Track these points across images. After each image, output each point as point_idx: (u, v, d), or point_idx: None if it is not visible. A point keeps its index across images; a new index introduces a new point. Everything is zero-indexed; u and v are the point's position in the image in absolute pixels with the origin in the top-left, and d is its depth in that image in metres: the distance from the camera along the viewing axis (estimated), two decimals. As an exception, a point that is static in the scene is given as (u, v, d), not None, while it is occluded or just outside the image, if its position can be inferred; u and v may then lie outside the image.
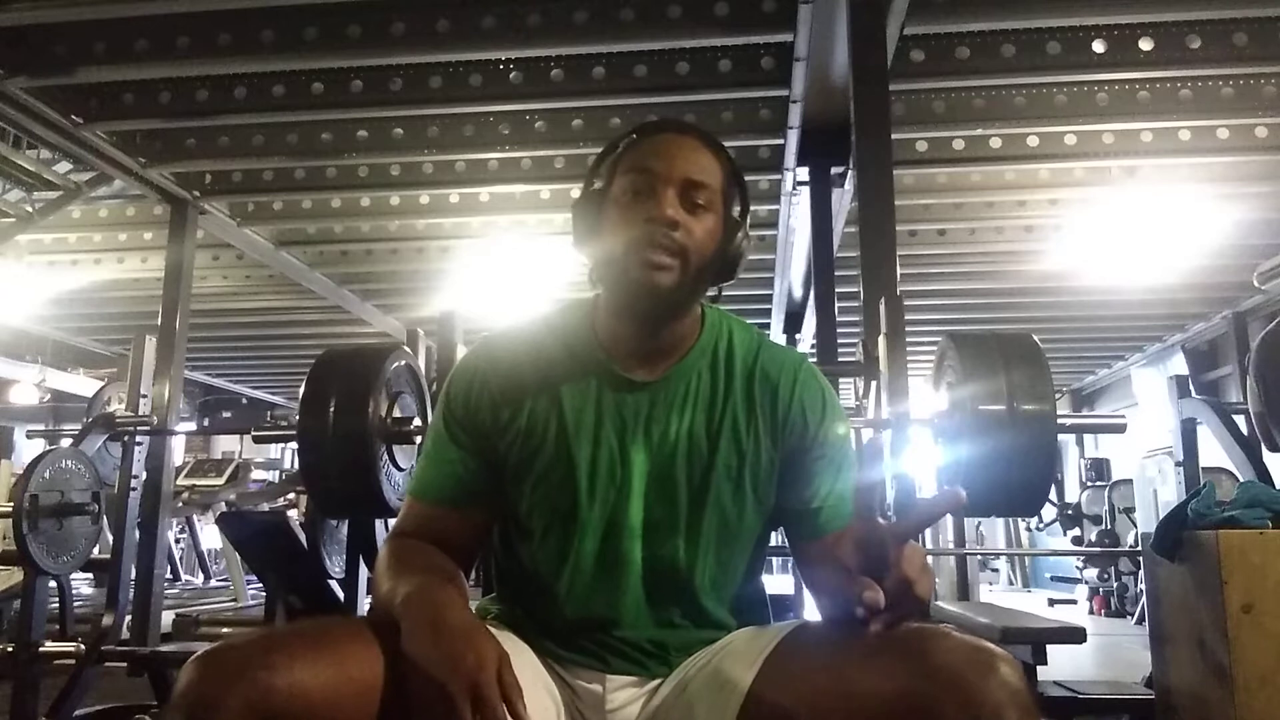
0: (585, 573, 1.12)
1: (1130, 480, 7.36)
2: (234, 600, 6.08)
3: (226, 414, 11.19)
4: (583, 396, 1.14)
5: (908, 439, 1.96)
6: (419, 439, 2.19)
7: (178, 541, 7.81)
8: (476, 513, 1.18)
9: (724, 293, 1.19)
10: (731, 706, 0.99)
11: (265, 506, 6.36)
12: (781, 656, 1.00)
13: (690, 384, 1.14)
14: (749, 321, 1.24)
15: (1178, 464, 3.52)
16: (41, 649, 2.88)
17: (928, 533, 5.98)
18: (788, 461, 1.15)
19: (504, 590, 1.22)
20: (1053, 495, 7.68)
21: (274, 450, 10.66)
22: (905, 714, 0.86)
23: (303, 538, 3.41)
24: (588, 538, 1.12)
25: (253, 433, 2.42)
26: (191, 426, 10.03)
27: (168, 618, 4.51)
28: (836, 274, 3.90)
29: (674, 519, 1.12)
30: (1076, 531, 8.20)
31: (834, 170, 3.71)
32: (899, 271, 2.35)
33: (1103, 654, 5.76)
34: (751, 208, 1.22)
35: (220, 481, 6.51)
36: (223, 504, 6.34)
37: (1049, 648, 3.11)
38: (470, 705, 0.89)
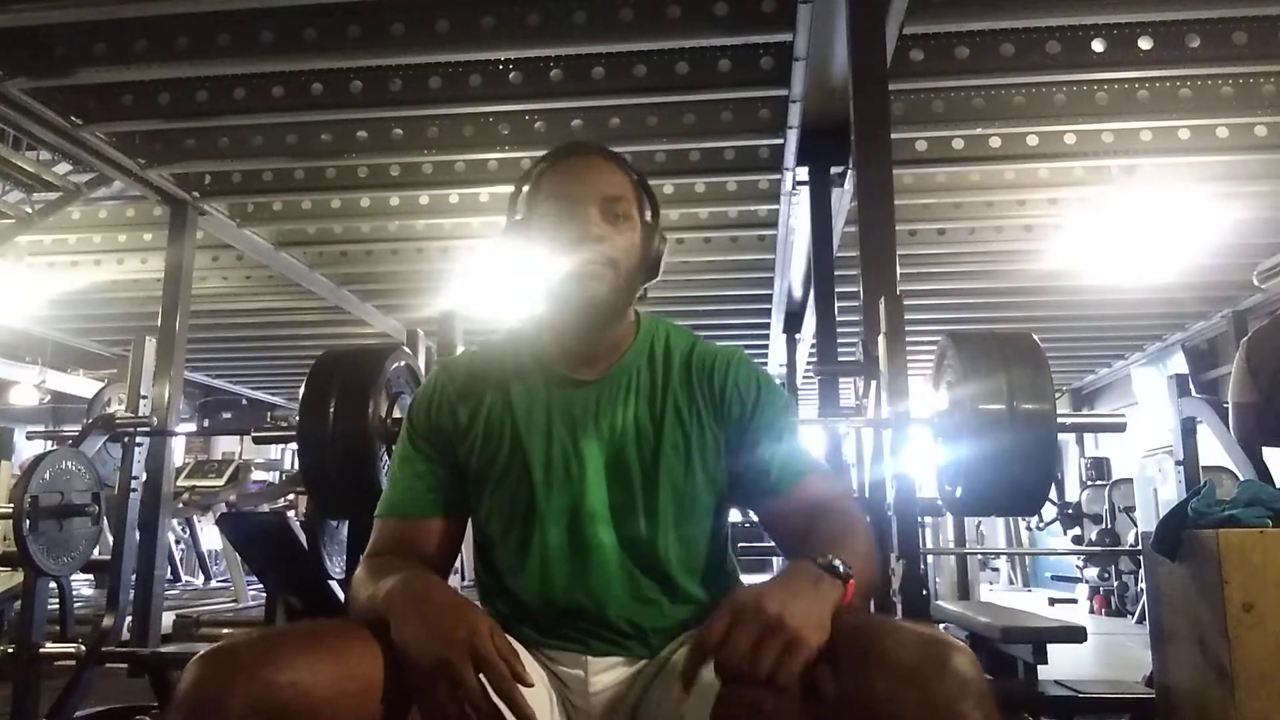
0: (556, 561, 1.17)
1: (1130, 479, 7.36)
2: (234, 601, 6.08)
3: (226, 415, 11.18)
4: (533, 398, 1.22)
5: (908, 438, 1.96)
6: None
7: (178, 542, 7.81)
8: (446, 522, 1.23)
9: (649, 294, 1.28)
10: (705, 707, 1.00)
11: (265, 507, 6.36)
12: None
13: (631, 378, 1.23)
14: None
15: (1178, 463, 3.52)
16: (42, 650, 2.88)
17: (928, 532, 5.98)
18: (734, 437, 1.23)
19: (485, 592, 1.26)
20: (1053, 494, 7.69)
21: (274, 451, 10.66)
22: (865, 711, 0.87)
23: (303, 538, 3.40)
24: (551, 528, 1.17)
25: (253, 433, 2.41)
26: (191, 427, 10.03)
27: (168, 619, 4.51)
28: (836, 274, 3.89)
29: (632, 500, 1.18)
30: (1077, 531, 8.20)
31: (834, 170, 3.71)
32: (899, 271, 2.35)
33: (1103, 653, 5.76)
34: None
35: (220, 482, 6.51)
36: (223, 505, 6.34)
37: (1049, 647, 3.11)
38: (472, 670, 0.92)
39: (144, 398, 3.32)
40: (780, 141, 3.72)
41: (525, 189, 1.25)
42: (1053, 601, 8.27)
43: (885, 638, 0.91)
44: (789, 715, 0.89)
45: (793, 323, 6.06)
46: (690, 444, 1.21)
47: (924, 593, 2.10)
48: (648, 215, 1.25)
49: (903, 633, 0.92)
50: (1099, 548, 7.60)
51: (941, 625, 3.90)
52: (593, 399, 1.22)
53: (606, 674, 1.15)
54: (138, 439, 3.26)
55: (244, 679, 0.87)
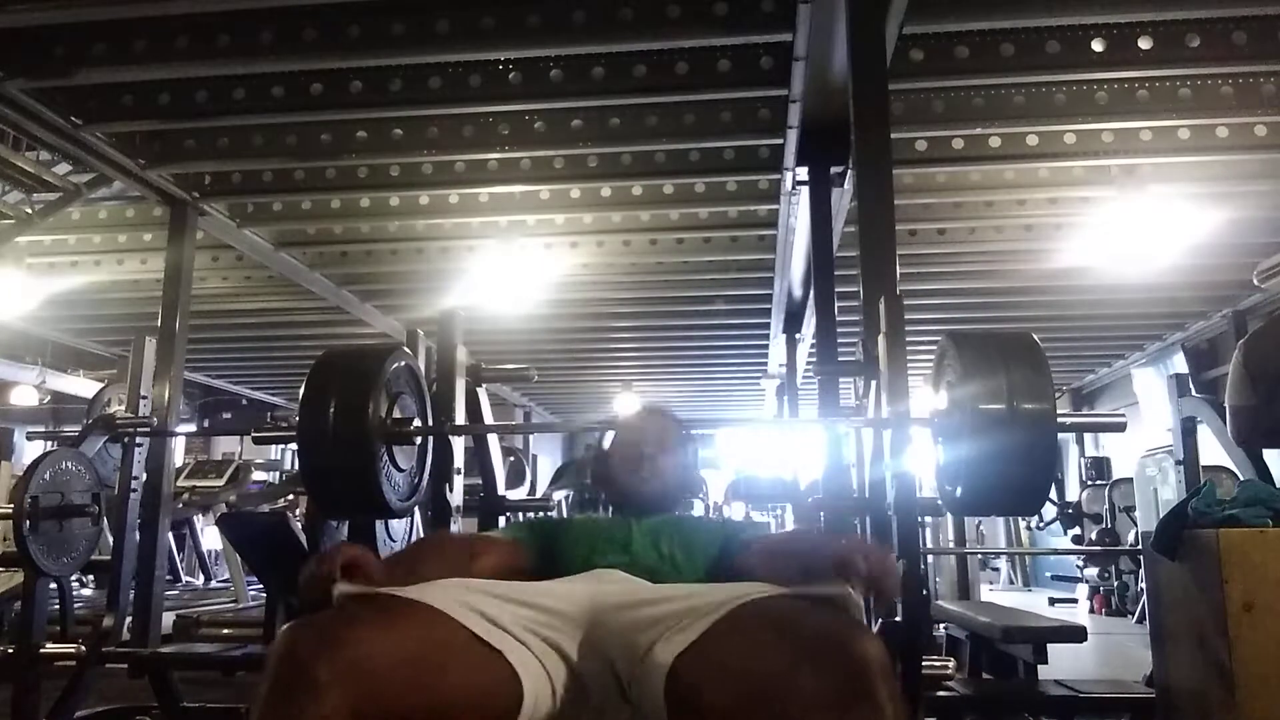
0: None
1: (1130, 479, 7.36)
2: (234, 601, 6.07)
3: (226, 415, 11.19)
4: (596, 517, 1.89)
5: (908, 439, 1.95)
6: (419, 440, 2.19)
7: (178, 543, 7.81)
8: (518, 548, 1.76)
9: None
10: (657, 680, 1.20)
11: (265, 507, 6.36)
12: (707, 641, 1.20)
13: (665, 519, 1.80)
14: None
15: (1178, 463, 3.53)
16: (42, 650, 2.87)
17: (928, 532, 5.98)
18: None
19: None
20: (1053, 494, 7.69)
21: (274, 451, 10.65)
22: (778, 687, 1.04)
23: (303, 538, 3.40)
24: (579, 554, 1.64)
25: (253, 434, 2.40)
26: (192, 428, 10.04)
27: (168, 619, 4.51)
28: (836, 274, 3.89)
29: (657, 560, 1.65)
30: (1077, 530, 8.20)
31: (834, 170, 3.70)
32: (899, 271, 2.34)
33: (1103, 653, 5.77)
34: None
35: (220, 483, 6.52)
36: (223, 505, 6.34)
37: (1050, 646, 3.12)
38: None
39: (144, 398, 3.32)
40: (780, 141, 3.72)
41: (610, 432, 1.95)
42: (1053, 601, 8.28)
43: (799, 620, 1.11)
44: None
45: (793, 323, 6.05)
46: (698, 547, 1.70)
47: (924, 593, 2.10)
48: (688, 450, 1.93)
49: (816, 616, 1.12)
50: (1099, 547, 7.60)
51: (942, 625, 3.91)
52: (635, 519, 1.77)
53: (612, 585, 1.46)
54: (138, 439, 3.26)
55: (325, 646, 1.08)
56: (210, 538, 8.15)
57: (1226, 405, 2.85)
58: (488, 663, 1.20)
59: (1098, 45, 3.24)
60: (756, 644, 1.12)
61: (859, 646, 1.03)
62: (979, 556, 8.42)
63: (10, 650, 2.87)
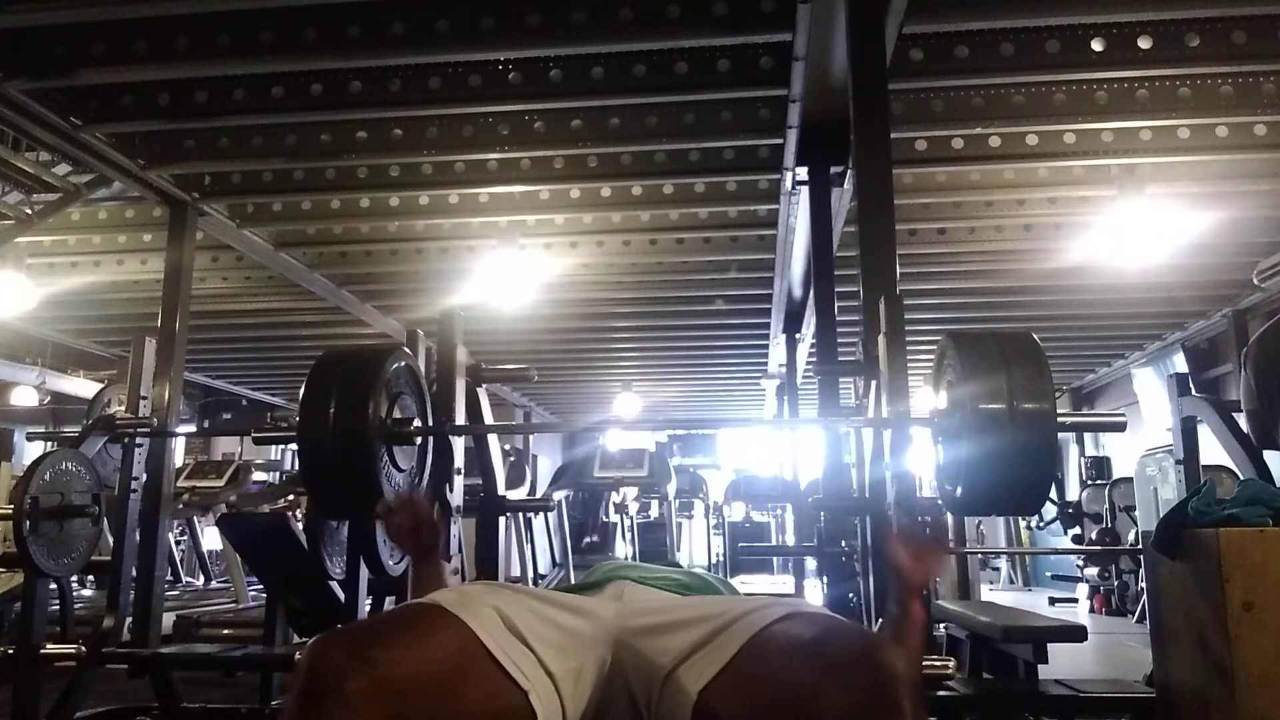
0: None
1: (1131, 478, 7.37)
2: (234, 601, 6.07)
3: (226, 415, 11.18)
4: None
5: (908, 439, 1.96)
6: (419, 440, 2.19)
7: (178, 543, 7.81)
8: None
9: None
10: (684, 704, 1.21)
11: (265, 508, 6.36)
12: (734, 669, 1.18)
13: None
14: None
15: (1178, 462, 3.52)
16: (42, 651, 2.87)
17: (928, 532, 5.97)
18: None
19: None
20: (1053, 494, 7.70)
21: (274, 452, 10.65)
22: (801, 699, 1.05)
23: (303, 538, 3.40)
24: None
25: (253, 434, 2.40)
26: (192, 428, 10.03)
27: (168, 619, 4.50)
28: (836, 274, 3.89)
29: None
30: (1077, 530, 8.21)
31: (833, 169, 3.70)
32: (899, 271, 2.34)
33: (1103, 652, 5.77)
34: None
35: (220, 483, 6.51)
36: (223, 505, 6.34)
37: (1050, 646, 3.11)
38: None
39: (144, 399, 3.32)
40: (780, 141, 3.72)
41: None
42: (1053, 601, 8.28)
43: (823, 641, 1.11)
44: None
45: (793, 323, 6.05)
46: None
47: (924, 592, 2.10)
48: None
49: (839, 634, 1.12)
50: (1099, 547, 7.60)
51: (942, 625, 3.90)
52: None
53: (634, 602, 1.45)
54: (138, 440, 3.26)
55: (357, 663, 1.08)
56: (210, 538, 8.14)
57: (1244, 410, 2.86)
58: (504, 692, 1.21)
59: (1097, 45, 3.24)
60: (782, 670, 1.12)
61: (882, 660, 1.04)
62: (979, 556, 8.42)
63: (10, 650, 2.87)
